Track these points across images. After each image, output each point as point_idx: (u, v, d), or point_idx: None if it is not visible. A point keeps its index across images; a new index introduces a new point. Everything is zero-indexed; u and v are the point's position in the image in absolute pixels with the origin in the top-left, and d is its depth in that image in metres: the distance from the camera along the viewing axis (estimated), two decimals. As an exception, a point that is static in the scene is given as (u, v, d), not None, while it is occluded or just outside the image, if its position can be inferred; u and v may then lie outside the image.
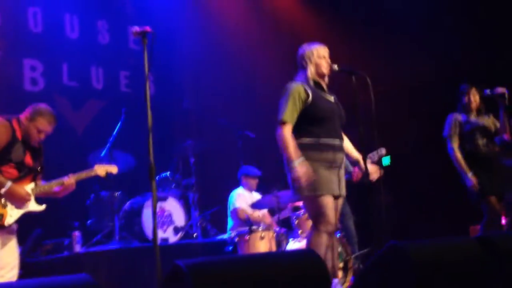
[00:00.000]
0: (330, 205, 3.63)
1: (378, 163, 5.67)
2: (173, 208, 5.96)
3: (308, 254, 2.62)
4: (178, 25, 7.92)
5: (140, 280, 5.07)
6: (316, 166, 3.61)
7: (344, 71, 3.83)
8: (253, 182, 6.06)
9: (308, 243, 3.66)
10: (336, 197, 3.73)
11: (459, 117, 4.92)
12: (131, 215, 5.82)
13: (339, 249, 4.85)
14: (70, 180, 3.92)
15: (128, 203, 5.96)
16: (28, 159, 3.80)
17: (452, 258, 2.72)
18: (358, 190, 4.77)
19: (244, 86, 8.05)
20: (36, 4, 6.86)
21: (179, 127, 7.84)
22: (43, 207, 3.88)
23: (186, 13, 7.93)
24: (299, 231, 5.36)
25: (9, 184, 3.61)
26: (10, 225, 3.67)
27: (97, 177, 6.02)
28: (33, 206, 3.81)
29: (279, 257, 2.70)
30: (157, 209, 5.70)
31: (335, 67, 3.82)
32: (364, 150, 3.92)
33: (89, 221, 5.92)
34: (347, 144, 3.99)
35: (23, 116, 3.80)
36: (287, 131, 3.62)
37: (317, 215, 3.64)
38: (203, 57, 7.93)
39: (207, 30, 8.00)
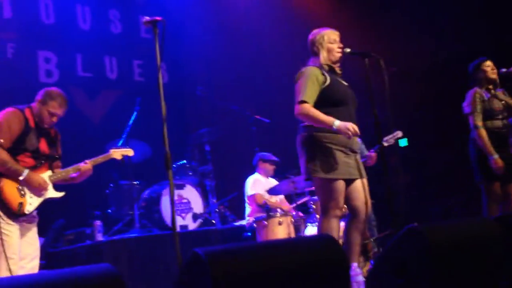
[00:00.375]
0: (342, 190, 3.64)
1: (395, 145, 5.67)
2: (191, 195, 6.01)
3: (324, 239, 2.62)
4: (190, 13, 7.89)
5: (161, 267, 5.14)
6: (333, 149, 3.62)
7: (356, 54, 3.80)
8: (270, 168, 6.08)
9: (322, 228, 3.68)
10: (355, 180, 3.72)
11: (481, 93, 4.78)
12: (150, 203, 5.89)
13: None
14: (87, 165, 3.96)
15: (146, 191, 6.02)
16: (44, 147, 3.84)
17: (470, 239, 2.71)
18: (376, 173, 4.75)
19: (257, 71, 8.02)
20: (47, -5, 6.89)
21: (194, 114, 7.87)
22: (62, 194, 3.92)
23: (197, 1, 7.90)
24: (317, 216, 5.37)
25: (26, 172, 3.65)
26: (30, 213, 3.72)
27: (115, 165, 6.17)
28: (51, 193, 3.85)
29: (296, 243, 2.72)
30: (175, 197, 5.84)
31: (347, 50, 3.81)
32: (380, 133, 3.90)
33: (109, 210, 5.99)
34: None
35: (35, 103, 3.84)
36: (310, 108, 3.60)
37: (328, 199, 3.65)
38: (215, 43, 7.91)
39: (219, 17, 7.98)
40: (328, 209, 3.64)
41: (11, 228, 3.63)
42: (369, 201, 3.78)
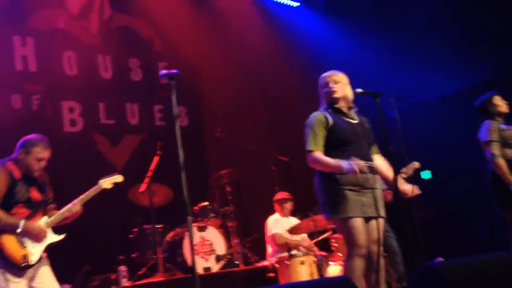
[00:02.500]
0: (360, 228, 3.65)
1: (415, 176, 5.65)
2: (214, 237, 6.05)
3: (341, 281, 2.64)
4: (208, 57, 8.11)
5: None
6: (343, 189, 3.66)
7: (367, 94, 3.88)
8: (287, 206, 6.10)
9: (344, 267, 3.70)
10: (372, 218, 3.73)
11: (497, 124, 4.87)
12: (173, 246, 5.95)
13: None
14: (75, 206, 3.95)
15: (169, 235, 6.08)
16: (35, 195, 3.87)
17: (491, 278, 2.67)
18: (398, 207, 4.75)
19: (275, 112, 8.16)
20: (70, 48, 7.17)
21: (214, 155, 7.98)
22: (62, 236, 3.90)
23: (214, 46, 8.13)
24: (339, 254, 5.36)
25: (22, 223, 3.68)
26: (36, 263, 3.73)
27: (138, 210, 6.27)
28: (52, 238, 3.85)
29: (315, 286, 2.74)
30: (198, 239, 5.91)
31: (358, 90, 3.89)
32: (396, 167, 3.93)
33: (133, 255, 6.06)
34: (381, 164, 3.96)
35: (17, 154, 3.86)
36: (318, 155, 3.72)
37: (348, 238, 3.68)
38: (234, 86, 8.10)
39: (237, 60, 8.17)
40: (350, 248, 3.66)
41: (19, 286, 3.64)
42: (381, 240, 3.76)
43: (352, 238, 3.64)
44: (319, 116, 3.82)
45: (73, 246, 3.97)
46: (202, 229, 6.02)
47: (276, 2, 8.99)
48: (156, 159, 6.06)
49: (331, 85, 3.87)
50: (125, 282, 5.47)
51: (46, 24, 7.09)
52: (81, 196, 3.98)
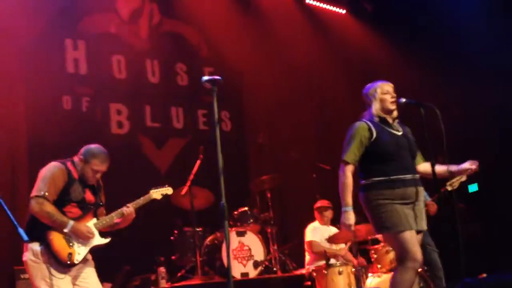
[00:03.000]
0: (413, 240, 3.61)
1: (462, 189, 5.52)
2: (252, 242, 6.07)
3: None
4: (251, 62, 8.18)
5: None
6: (391, 203, 3.64)
7: (412, 104, 3.83)
8: (327, 215, 6.07)
9: (393, 279, 3.66)
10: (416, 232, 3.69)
11: None
12: (212, 250, 6.00)
13: (421, 284, 4.72)
14: (129, 209, 3.98)
15: (209, 238, 6.15)
16: (89, 196, 3.94)
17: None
18: (443, 220, 4.65)
19: (318, 118, 8.14)
20: (120, 52, 7.37)
21: (256, 161, 8.02)
22: (107, 240, 3.94)
23: (259, 52, 8.19)
24: (378, 266, 5.28)
25: (70, 224, 3.74)
26: (79, 262, 3.79)
27: (180, 212, 6.37)
28: (98, 241, 3.90)
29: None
30: (237, 244, 5.94)
31: (402, 100, 3.84)
32: (441, 180, 3.88)
33: (173, 257, 6.15)
34: (428, 168, 3.84)
35: (77, 158, 3.94)
36: (348, 172, 3.73)
37: (402, 251, 3.63)
38: (277, 91, 8.13)
39: (281, 66, 8.20)
40: (404, 260, 3.62)
41: (63, 284, 3.72)
42: (420, 254, 3.68)
43: (407, 251, 3.59)
44: (362, 127, 3.78)
45: (114, 245, 4.03)
46: (241, 234, 6.06)
47: (323, 8, 8.99)
48: (198, 163, 6.14)
49: (389, 95, 3.82)
50: (164, 283, 5.55)
51: (97, 28, 7.31)
52: (131, 203, 4.03)
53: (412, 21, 7.96)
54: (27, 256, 3.75)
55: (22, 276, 5.02)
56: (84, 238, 3.81)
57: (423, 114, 3.79)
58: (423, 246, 5.25)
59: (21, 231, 3.01)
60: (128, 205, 4.01)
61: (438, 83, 7.23)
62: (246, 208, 6.42)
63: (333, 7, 8.99)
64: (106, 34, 7.36)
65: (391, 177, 3.67)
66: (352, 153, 3.73)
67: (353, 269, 5.30)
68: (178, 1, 7.91)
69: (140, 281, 5.87)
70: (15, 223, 3.03)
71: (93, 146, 3.99)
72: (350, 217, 3.68)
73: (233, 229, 6.09)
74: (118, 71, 7.34)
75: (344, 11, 9.04)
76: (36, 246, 3.72)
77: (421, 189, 3.78)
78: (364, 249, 5.76)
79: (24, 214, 5.66)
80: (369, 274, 5.35)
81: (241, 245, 6.00)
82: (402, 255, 3.62)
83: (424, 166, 3.91)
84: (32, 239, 3.70)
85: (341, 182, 3.74)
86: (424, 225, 3.76)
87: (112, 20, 7.46)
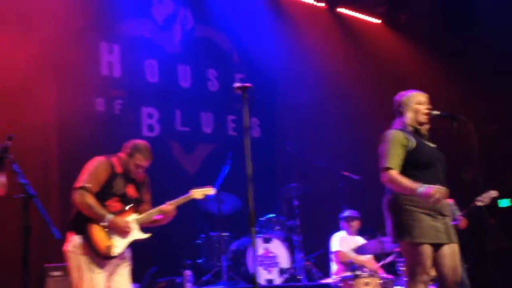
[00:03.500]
0: (428, 254, 3.54)
1: (492, 205, 5.43)
2: (278, 249, 6.08)
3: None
4: (282, 70, 8.21)
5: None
6: (418, 213, 3.56)
7: (444, 116, 3.77)
8: (354, 225, 6.03)
9: None
10: (444, 244, 3.61)
11: None
12: (237, 255, 6.03)
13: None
14: (168, 207, 4.03)
15: (234, 244, 6.17)
16: (131, 191, 3.99)
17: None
18: (472, 235, 4.58)
19: (347, 128, 8.11)
20: (152, 57, 7.48)
21: (284, 168, 8.03)
22: (147, 235, 3.98)
23: (291, 59, 8.22)
24: (405, 279, 5.21)
25: (109, 217, 3.81)
26: (117, 255, 3.85)
27: (207, 216, 6.42)
28: (137, 235, 3.94)
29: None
30: (262, 251, 5.96)
31: (435, 112, 3.78)
32: (469, 195, 3.82)
33: (199, 260, 6.20)
34: None
35: (122, 153, 4.02)
36: (396, 174, 3.59)
37: (414, 263, 3.57)
38: (307, 100, 8.13)
39: (311, 74, 8.21)
40: (415, 274, 3.56)
41: (98, 278, 3.78)
42: (459, 268, 3.63)
43: (419, 264, 3.53)
44: (399, 135, 3.69)
45: (142, 247, 4.09)
46: (267, 240, 6.07)
47: (357, 18, 8.96)
48: (226, 168, 6.18)
49: (423, 106, 3.73)
50: (189, 286, 5.60)
51: (132, 32, 7.43)
52: (172, 201, 4.07)
53: (447, 34, 7.88)
54: (67, 246, 3.86)
55: (51, 274, 5.12)
56: (121, 232, 3.85)
57: (455, 128, 3.73)
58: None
59: (54, 229, 3.09)
60: (168, 203, 4.05)
61: (473, 96, 7.12)
62: (273, 215, 6.43)
63: (368, 16, 8.96)
64: (140, 39, 7.48)
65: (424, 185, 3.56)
66: (393, 159, 3.61)
67: (380, 281, 5.25)
68: (211, 7, 8.00)
69: (166, 283, 5.93)
70: (49, 222, 3.12)
71: (140, 142, 4.09)
72: (428, 188, 3.43)
73: (259, 235, 6.10)
74: (150, 75, 7.45)
75: (379, 21, 9.00)
76: (77, 239, 3.82)
77: (447, 203, 3.71)
78: (391, 261, 5.70)
79: (56, 214, 5.81)
80: (395, 287, 5.29)
81: (267, 251, 6.01)
82: (415, 267, 3.54)
83: None
84: (75, 231, 3.83)
85: (393, 183, 3.58)
86: (455, 238, 3.66)
87: (147, 25, 7.58)
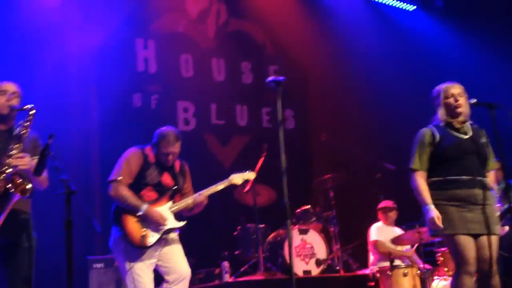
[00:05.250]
0: (467, 244, 3.52)
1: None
2: (315, 240, 6.08)
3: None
4: (318, 62, 8.18)
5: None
6: (445, 205, 3.58)
7: (482, 105, 3.71)
8: (392, 215, 5.98)
9: (451, 285, 3.61)
10: (481, 235, 3.57)
11: None
12: (274, 247, 6.07)
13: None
14: (200, 196, 4.04)
15: (271, 235, 6.21)
16: (166, 180, 4.00)
17: None
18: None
19: (381, 117, 8.02)
20: (187, 51, 7.57)
21: (319, 160, 8.01)
22: (183, 223, 4.00)
23: (325, 50, 8.17)
24: (445, 269, 5.16)
25: (144, 207, 3.84)
26: (152, 245, 3.86)
27: (243, 209, 6.47)
28: (172, 224, 3.95)
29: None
30: (299, 242, 5.98)
31: (472, 101, 3.74)
32: (508, 191, 3.74)
33: (236, 252, 6.27)
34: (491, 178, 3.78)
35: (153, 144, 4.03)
36: (418, 177, 3.69)
37: (454, 255, 3.60)
38: (340, 90, 8.09)
39: (344, 63, 8.14)
40: (457, 265, 3.57)
41: (141, 266, 3.85)
42: (493, 261, 3.56)
43: (459, 255, 3.54)
44: (426, 133, 3.76)
45: (181, 239, 4.17)
46: (303, 232, 6.08)
47: (391, 5, 8.82)
48: (261, 160, 6.20)
49: (457, 98, 3.74)
50: (227, 277, 5.67)
51: (166, 28, 7.54)
52: (209, 188, 4.08)
53: (488, 16, 7.66)
54: (110, 240, 3.97)
55: (94, 266, 5.28)
56: (155, 223, 3.89)
57: (493, 115, 3.67)
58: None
59: (95, 222, 3.20)
60: (201, 192, 4.06)
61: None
62: (308, 206, 6.44)
63: (402, 3, 8.80)
64: (175, 34, 7.58)
65: (450, 178, 3.62)
66: (417, 160, 3.72)
67: (419, 271, 5.20)
68: (245, 0, 8.02)
69: (205, 274, 6.02)
70: (90, 215, 3.22)
71: (163, 129, 4.04)
72: (431, 213, 3.55)
73: (295, 226, 6.13)
74: (185, 70, 7.54)
75: (414, 7, 8.83)
76: (115, 232, 3.92)
77: (490, 193, 3.65)
78: (430, 251, 5.64)
79: (97, 208, 5.97)
80: (435, 277, 5.25)
81: (304, 242, 6.03)
82: (456, 259, 3.58)
83: (491, 175, 3.79)
84: (114, 224, 3.91)
85: (414, 188, 3.71)
86: (495, 229, 3.60)
87: (181, 20, 7.67)
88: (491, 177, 3.77)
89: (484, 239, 3.58)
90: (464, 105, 3.73)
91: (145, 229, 3.86)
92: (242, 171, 4.28)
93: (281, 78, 3.37)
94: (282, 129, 3.31)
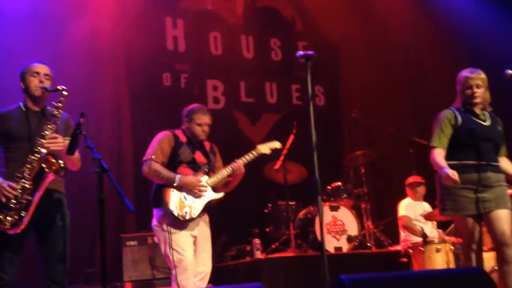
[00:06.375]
0: (470, 226, 3.76)
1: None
2: (346, 217, 6.06)
3: (475, 272, 2.53)
4: (348, 37, 8.03)
5: (315, 287, 5.26)
6: (456, 188, 3.73)
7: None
8: (420, 191, 5.88)
9: (462, 261, 3.90)
10: (491, 212, 3.73)
11: None
12: (305, 224, 6.07)
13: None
14: (237, 164, 4.09)
15: (302, 212, 6.21)
16: (199, 157, 4.10)
17: None
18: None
19: (413, 92, 7.87)
20: (216, 29, 7.53)
21: (350, 136, 7.93)
22: (221, 194, 4.09)
23: (355, 25, 8.02)
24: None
25: (178, 177, 3.93)
26: (196, 217, 3.95)
27: (274, 186, 6.47)
28: (211, 195, 4.04)
29: (444, 276, 2.66)
30: (330, 218, 5.97)
31: (509, 72, 3.83)
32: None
33: (267, 229, 6.30)
34: (505, 166, 3.94)
35: (184, 125, 4.15)
36: (437, 153, 3.84)
37: (463, 234, 3.89)
38: (371, 65, 7.95)
39: (376, 39, 7.99)
40: (465, 243, 3.85)
41: (186, 242, 3.91)
42: (508, 231, 3.71)
43: (466, 235, 3.80)
44: (449, 114, 3.90)
45: (211, 216, 4.21)
46: (334, 209, 6.06)
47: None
48: (291, 138, 6.17)
49: (474, 89, 3.85)
50: (259, 254, 5.71)
51: (195, 5, 7.51)
52: (240, 159, 4.14)
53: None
54: (153, 223, 4.03)
55: (127, 244, 5.38)
56: (194, 188, 3.96)
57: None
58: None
59: (127, 201, 3.24)
60: (236, 160, 4.12)
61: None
62: (339, 183, 6.41)
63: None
64: (203, 11, 7.54)
65: (465, 162, 3.77)
66: (438, 138, 3.86)
67: (452, 247, 5.14)
68: (272, -25, 7.91)
69: (236, 251, 6.09)
70: (122, 194, 3.26)
71: (192, 105, 4.22)
72: (446, 170, 3.67)
73: (326, 203, 6.11)
74: (214, 48, 7.51)
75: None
76: (158, 212, 3.99)
77: (501, 176, 3.83)
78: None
79: (129, 187, 6.06)
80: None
81: (335, 219, 6.02)
82: (464, 237, 3.84)
83: (502, 161, 3.93)
84: (156, 205, 3.99)
85: (433, 163, 3.85)
86: (507, 205, 3.78)
87: (209, -3, 7.62)
88: (505, 161, 3.95)
89: (496, 213, 3.74)
90: (481, 95, 3.86)
91: (187, 201, 3.95)
92: (268, 141, 4.35)
93: (311, 52, 3.32)
94: (312, 104, 3.28)
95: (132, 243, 5.38)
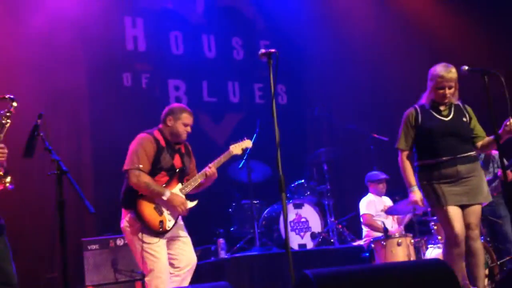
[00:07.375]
0: (455, 216, 3.81)
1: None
2: (309, 214, 6.11)
3: (436, 264, 2.59)
4: (308, 35, 8.08)
5: (279, 285, 5.28)
6: (435, 183, 3.87)
7: (475, 71, 3.71)
8: (381, 187, 6.00)
9: (442, 254, 3.97)
10: (469, 206, 3.87)
11: None
12: (269, 222, 6.09)
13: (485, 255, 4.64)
14: (211, 169, 4.07)
15: (266, 210, 6.23)
16: (177, 162, 4.02)
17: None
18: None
19: (374, 90, 7.99)
20: (177, 28, 7.46)
21: (312, 134, 8.00)
22: (195, 203, 4.06)
23: (317, 25, 8.07)
24: (438, 237, 5.20)
25: (168, 193, 3.86)
26: (171, 229, 3.90)
27: (237, 185, 6.47)
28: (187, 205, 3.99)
29: (407, 268, 2.70)
30: (294, 216, 6.00)
31: (465, 68, 3.78)
32: (501, 152, 3.78)
33: (232, 228, 6.29)
34: (488, 141, 3.99)
35: (162, 125, 4.03)
36: (403, 157, 4.04)
37: (443, 226, 3.93)
38: (333, 63, 8.02)
39: (336, 38, 8.07)
40: (447, 236, 3.89)
41: (156, 247, 3.83)
42: (476, 227, 3.87)
43: (447, 226, 3.83)
44: (410, 115, 4.02)
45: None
46: (298, 206, 6.10)
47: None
48: (255, 137, 6.18)
49: (446, 91, 3.91)
50: (223, 254, 5.70)
51: (155, 4, 7.42)
52: (213, 163, 4.11)
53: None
54: (122, 223, 3.94)
55: (89, 247, 5.28)
56: (177, 208, 3.89)
57: (487, 83, 3.66)
58: (486, 218, 5.16)
59: (87, 203, 3.17)
60: (209, 165, 4.09)
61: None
62: (303, 181, 6.45)
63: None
64: (163, 10, 7.47)
65: (439, 159, 3.88)
66: (401, 140, 4.03)
67: (412, 240, 5.25)
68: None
69: (201, 252, 6.03)
70: (82, 195, 3.19)
71: (176, 105, 4.17)
72: (415, 194, 3.94)
73: (290, 201, 6.15)
74: (175, 47, 7.45)
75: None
76: (129, 213, 3.89)
77: (475, 165, 3.90)
78: (424, 220, 5.68)
79: (89, 189, 5.92)
80: (429, 246, 5.29)
81: (299, 217, 6.05)
82: (444, 229, 3.90)
83: (486, 140, 3.99)
84: (127, 208, 3.90)
85: (400, 168, 4.05)
86: (480, 198, 3.88)
87: (169, -4, 7.54)
88: (484, 140, 3.98)
89: (469, 208, 3.88)
90: (452, 95, 3.93)
91: (162, 214, 3.87)
92: (238, 141, 4.34)
93: (273, 50, 3.33)
94: (275, 102, 3.29)
95: (93, 246, 5.28)
